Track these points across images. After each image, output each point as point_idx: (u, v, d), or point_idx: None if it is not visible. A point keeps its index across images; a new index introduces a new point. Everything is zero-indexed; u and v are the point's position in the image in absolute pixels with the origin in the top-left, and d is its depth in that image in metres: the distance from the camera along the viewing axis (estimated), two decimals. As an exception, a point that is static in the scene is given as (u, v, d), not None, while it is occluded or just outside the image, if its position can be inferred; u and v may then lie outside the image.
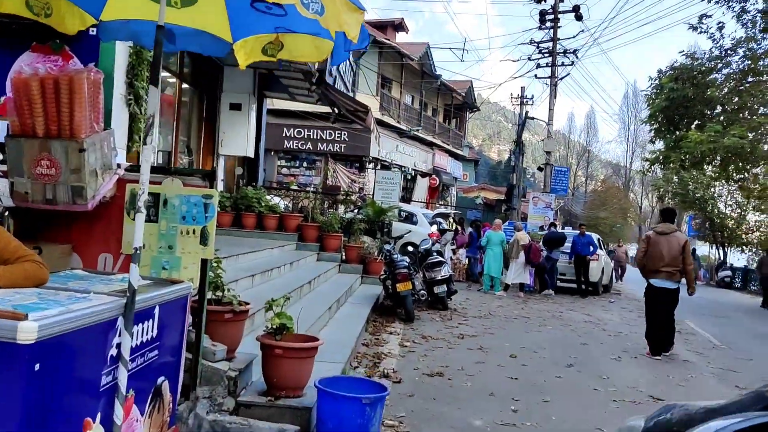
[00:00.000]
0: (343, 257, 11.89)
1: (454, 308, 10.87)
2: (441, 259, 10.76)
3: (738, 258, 30.64)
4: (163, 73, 9.92)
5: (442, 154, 33.32)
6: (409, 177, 29.20)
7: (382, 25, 29.61)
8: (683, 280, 8.14)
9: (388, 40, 26.57)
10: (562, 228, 22.97)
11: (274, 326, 3.94)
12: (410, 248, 11.49)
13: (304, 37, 3.28)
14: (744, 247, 28.72)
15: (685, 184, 26.88)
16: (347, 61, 14.60)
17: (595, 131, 69.34)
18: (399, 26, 31.90)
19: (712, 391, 6.43)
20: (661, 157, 15.81)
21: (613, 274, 20.39)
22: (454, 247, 16.79)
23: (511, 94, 24.47)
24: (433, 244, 11.30)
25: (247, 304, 4.13)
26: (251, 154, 12.49)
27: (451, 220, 20.25)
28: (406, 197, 29.58)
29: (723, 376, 7.15)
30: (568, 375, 6.57)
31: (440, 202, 33.71)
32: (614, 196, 53.81)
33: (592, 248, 15.77)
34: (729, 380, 6.95)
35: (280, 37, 3.29)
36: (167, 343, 3.14)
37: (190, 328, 3.69)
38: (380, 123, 25.66)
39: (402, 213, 18.19)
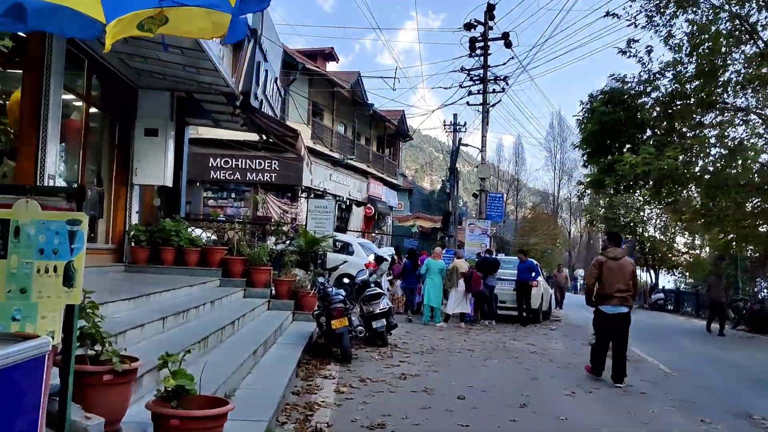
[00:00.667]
0: (273, 292, 10.98)
1: (394, 344, 10.11)
2: (379, 290, 10.02)
3: (668, 280, 31.36)
4: (68, 96, 8.89)
5: (376, 183, 32.86)
6: (344, 206, 28.50)
7: (312, 54, 29.09)
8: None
9: (318, 67, 26.04)
10: (496, 254, 22.56)
11: (169, 389, 3.06)
12: (346, 280, 10.70)
13: (196, 10, 2.53)
14: (674, 269, 29.38)
15: (615, 209, 27.39)
16: (275, 85, 13.82)
17: (522, 160, 71.11)
18: (329, 56, 31.50)
19: (681, 428, 5.90)
20: (595, 181, 15.72)
21: (552, 300, 20.16)
22: (390, 277, 16.04)
23: (444, 122, 24.15)
24: (370, 275, 10.55)
25: (135, 360, 3.24)
26: (170, 184, 11.44)
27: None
28: (342, 227, 28.84)
29: (686, 409, 6.65)
30: (524, 418, 5.89)
31: (376, 231, 33.15)
32: (544, 223, 55.11)
33: (533, 273, 15.41)
34: (693, 413, 6.45)
35: (164, 11, 2.52)
36: (12, 421, 2.27)
37: (54, 396, 2.81)
38: (312, 152, 24.90)
39: (337, 243, 17.41)
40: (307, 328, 9.73)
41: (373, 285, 10.34)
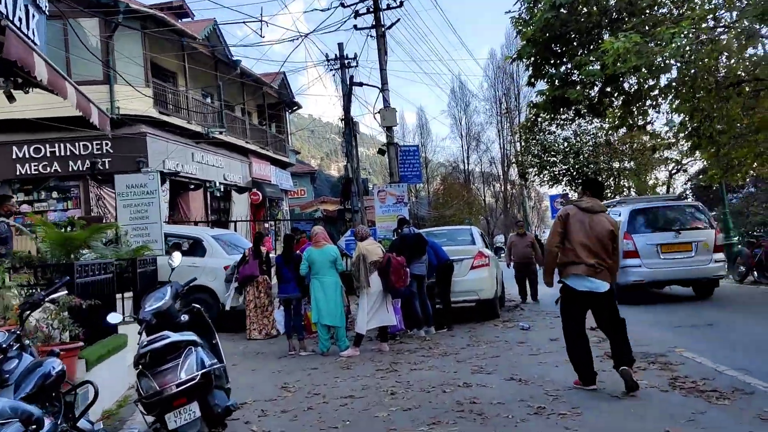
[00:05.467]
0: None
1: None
2: (179, 338, 4.29)
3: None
4: None
5: (262, 163, 26.82)
6: (219, 194, 22.36)
7: (157, 9, 22.46)
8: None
9: (152, 9, 19.52)
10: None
11: None
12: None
13: None
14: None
15: (551, 154, 22.97)
16: (27, 6, 7.63)
17: (428, 131, 67.30)
18: (179, 9, 24.90)
19: None
20: (553, 99, 10.69)
21: (502, 285, 14.63)
22: (236, 284, 10.32)
23: (327, 56, 18.13)
24: (174, 297, 4.82)
25: None
26: None
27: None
28: (223, 220, 22.79)
29: None
30: None
31: (269, 220, 27.19)
32: (457, 193, 52.31)
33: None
34: None
35: None
36: None
37: None
38: (162, 124, 18.68)
39: (180, 241, 11.53)
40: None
41: (182, 318, 4.68)
